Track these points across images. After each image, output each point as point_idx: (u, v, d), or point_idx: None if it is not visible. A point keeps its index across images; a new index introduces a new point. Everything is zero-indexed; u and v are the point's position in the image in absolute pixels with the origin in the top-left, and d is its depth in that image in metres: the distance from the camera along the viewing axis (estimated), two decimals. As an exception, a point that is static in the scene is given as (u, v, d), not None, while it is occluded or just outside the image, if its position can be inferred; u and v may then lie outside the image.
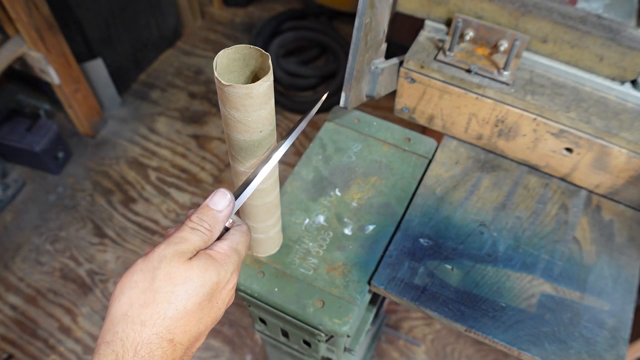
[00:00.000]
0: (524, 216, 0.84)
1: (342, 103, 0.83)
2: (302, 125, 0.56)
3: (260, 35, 2.40)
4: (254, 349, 1.68)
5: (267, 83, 0.50)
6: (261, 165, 0.56)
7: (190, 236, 0.48)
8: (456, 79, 0.83)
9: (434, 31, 0.89)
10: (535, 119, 0.81)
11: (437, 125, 0.92)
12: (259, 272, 0.78)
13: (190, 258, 0.47)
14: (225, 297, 0.50)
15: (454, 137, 0.93)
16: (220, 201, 0.51)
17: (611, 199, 0.87)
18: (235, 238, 0.52)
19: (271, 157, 0.56)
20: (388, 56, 0.88)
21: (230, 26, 2.62)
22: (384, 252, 0.80)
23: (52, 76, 1.88)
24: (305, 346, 0.86)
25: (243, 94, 0.50)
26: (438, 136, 0.94)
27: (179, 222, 1.96)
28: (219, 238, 0.52)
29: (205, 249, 0.50)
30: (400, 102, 0.92)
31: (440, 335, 1.71)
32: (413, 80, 0.87)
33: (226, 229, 0.53)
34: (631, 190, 0.83)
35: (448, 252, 0.80)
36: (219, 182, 2.05)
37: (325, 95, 0.59)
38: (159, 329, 0.44)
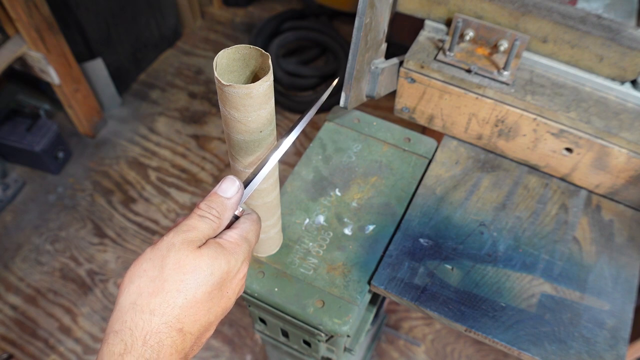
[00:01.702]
0: (524, 216, 0.84)
1: (342, 103, 0.83)
2: (307, 119, 0.55)
3: (260, 35, 2.40)
4: (254, 349, 1.68)
5: (267, 83, 0.50)
6: (272, 152, 0.54)
7: (198, 224, 0.48)
8: (456, 79, 0.83)
9: (434, 31, 0.89)
10: (535, 119, 0.81)
11: (437, 125, 0.92)
12: (259, 272, 0.78)
13: (200, 246, 0.47)
14: (236, 286, 0.50)
15: (454, 137, 0.93)
16: (229, 188, 0.50)
17: (611, 199, 0.86)
18: (245, 226, 0.51)
19: (283, 142, 0.54)
20: (388, 56, 0.88)
21: (230, 26, 2.62)
22: (384, 252, 0.80)
23: (52, 76, 1.88)
24: (305, 346, 0.86)
25: (243, 94, 0.50)
26: (438, 136, 0.94)
27: (179, 222, 1.96)
28: (228, 227, 0.51)
29: (215, 237, 0.49)
30: (400, 102, 0.92)
31: (440, 335, 1.71)
32: (413, 80, 0.87)
33: (236, 218, 0.52)
34: (631, 190, 0.83)
35: (448, 252, 0.80)
36: (219, 182, 2.05)
37: (335, 81, 0.57)
38: (168, 318, 0.44)
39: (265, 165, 0.54)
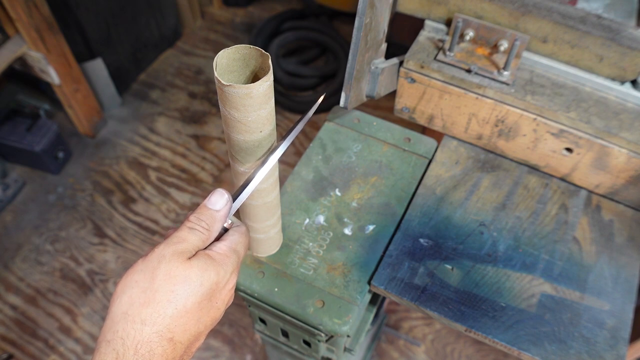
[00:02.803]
0: (524, 216, 0.84)
1: (342, 103, 0.83)
2: (300, 126, 0.56)
3: (260, 35, 2.40)
4: (254, 349, 1.68)
5: (267, 83, 0.50)
6: (260, 166, 0.56)
7: (188, 236, 0.49)
8: (456, 79, 0.83)
9: (434, 31, 0.89)
10: (535, 119, 0.81)
11: (437, 125, 0.92)
12: (259, 272, 0.78)
13: (190, 258, 0.48)
14: (225, 297, 0.51)
15: (454, 137, 0.93)
16: (218, 201, 0.51)
17: (611, 199, 0.86)
18: (234, 238, 0.52)
19: (269, 158, 0.56)
20: (388, 56, 0.88)
21: (230, 26, 2.62)
22: (384, 252, 0.80)
23: (52, 76, 1.88)
24: (305, 346, 0.86)
25: (243, 94, 0.50)
26: (438, 136, 0.94)
27: (179, 222, 1.96)
28: (217, 239, 0.52)
29: (205, 249, 0.50)
30: (400, 102, 0.92)
31: (440, 335, 1.71)
32: (413, 80, 0.87)
33: (225, 230, 0.53)
34: (631, 190, 0.83)
35: (448, 252, 0.80)
36: (219, 182, 2.05)
37: (322, 97, 0.59)
38: (159, 328, 0.45)
39: (252, 181, 0.55)
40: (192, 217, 0.50)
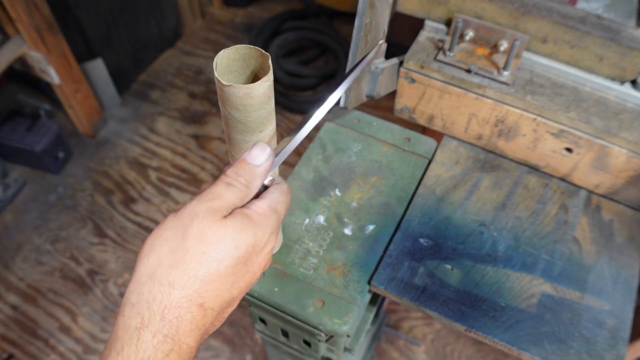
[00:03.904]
0: (524, 216, 0.84)
1: (342, 103, 0.83)
2: (354, 74, 0.52)
3: (260, 35, 2.40)
4: (254, 349, 1.69)
5: (267, 83, 0.50)
6: (305, 120, 0.51)
7: (225, 192, 0.44)
8: (456, 79, 0.83)
9: (434, 31, 0.89)
10: (535, 119, 0.81)
11: (437, 125, 0.92)
12: (259, 272, 0.78)
13: (225, 216, 0.44)
14: (262, 261, 0.47)
15: (454, 137, 0.93)
16: (259, 155, 0.47)
17: (611, 199, 0.86)
18: (274, 197, 0.48)
19: (327, 99, 0.51)
20: (388, 56, 0.88)
21: (230, 26, 2.62)
22: (384, 252, 0.80)
23: (52, 76, 1.88)
24: (305, 346, 0.86)
25: (243, 94, 0.50)
26: (438, 136, 0.94)
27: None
28: (256, 197, 0.48)
29: (242, 207, 0.46)
30: (400, 102, 0.92)
31: (440, 335, 1.71)
32: (413, 80, 0.87)
33: (265, 188, 0.49)
34: (631, 190, 0.83)
35: (448, 252, 0.80)
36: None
37: (367, 56, 0.55)
38: (189, 292, 0.41)
39: (302, 130, 0.50)
40: (229, 172, 0.46)
